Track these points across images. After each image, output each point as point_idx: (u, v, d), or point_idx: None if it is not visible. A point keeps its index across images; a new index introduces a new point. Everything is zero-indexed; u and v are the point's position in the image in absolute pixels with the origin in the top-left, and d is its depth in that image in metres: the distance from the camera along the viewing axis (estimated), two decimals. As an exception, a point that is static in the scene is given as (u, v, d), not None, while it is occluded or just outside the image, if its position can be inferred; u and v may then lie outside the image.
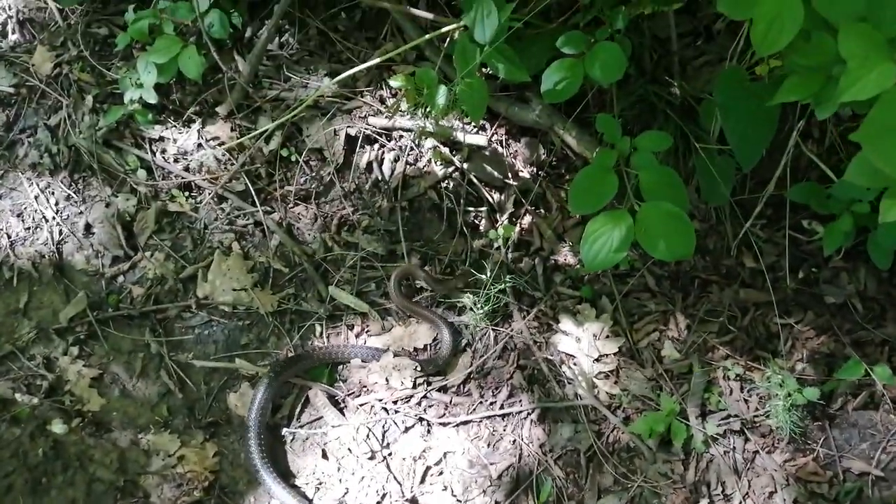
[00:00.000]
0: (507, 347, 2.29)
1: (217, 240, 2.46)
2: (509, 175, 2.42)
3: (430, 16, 2.33)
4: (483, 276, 2.25)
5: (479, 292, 2.25)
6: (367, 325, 2.36)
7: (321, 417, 2.21)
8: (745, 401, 2.20)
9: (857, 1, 1.12)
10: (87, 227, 2.45)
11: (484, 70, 2.13)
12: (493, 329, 2.30)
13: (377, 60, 2.26)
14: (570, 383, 2.23)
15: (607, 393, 2.22)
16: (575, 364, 2.26)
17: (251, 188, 2.49)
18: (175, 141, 2.57)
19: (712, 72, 2.23)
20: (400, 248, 2.42)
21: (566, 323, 2.30)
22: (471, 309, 2.29)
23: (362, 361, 2.27)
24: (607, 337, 2.28)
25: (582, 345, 2.27)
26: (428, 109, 1.91)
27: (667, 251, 1.73)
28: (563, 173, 2.44)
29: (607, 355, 2.27)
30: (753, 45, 1.15)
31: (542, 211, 2.43)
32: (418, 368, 2.22)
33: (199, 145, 2.55)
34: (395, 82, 1.97)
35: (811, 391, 2.10)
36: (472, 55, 1.87)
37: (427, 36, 2.21)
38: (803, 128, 2.06)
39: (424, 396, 2.24)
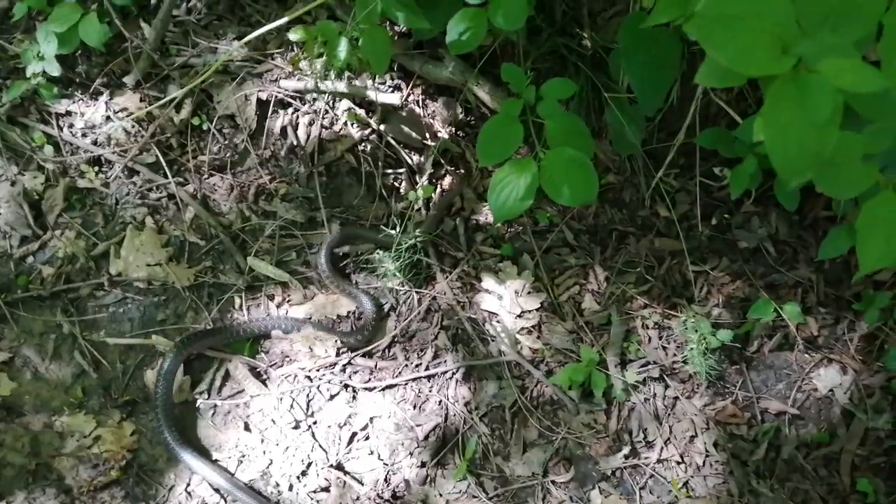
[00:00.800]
0: (430, 309, 2.27)
1: (129, 215, 2.38)
2: (427, 135, 2.39)
3: (336, -27, 2.29)
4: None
5: (395, 253, 2.23)
6: (289, 295, 2.32)
7: (242, 390, 2.17)
8: (664, 348, 2.23)
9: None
10: (-9, 207, 2.34)
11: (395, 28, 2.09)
12: (416, 292, 2.28)
13: (285, 20, 2.19)
14: (493, 341, 2.23)
15: (530, 348, 2.23)
16: (498, 322, 2.26)
17: (162, 160, 2.41)
18: (82, 114, 2.47)
19: (620, 22, 2.22)
20: (319, 216, 2.38)
21: (488, 281, 2.30)
22: (394, 274, 2.27)
23: (284, 333, 2.23)
24: (529, 293, 2.29)
25: (504, 302, 2.27)
26: (330, 64, 1.86)
27: (570, 196, 1.73)
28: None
29: (529, 311, 2.27)
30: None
31: (462, 171, 2.41)
32: (341, 348, 2.19)
33: (108, 118, 2.46)
34: (294, 35, 1.92)
35: (724, 333, 2.13)
36: (374, 8, 1.84)
37: (333, -7, 2.17)
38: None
39: (349, 363, 2.22)
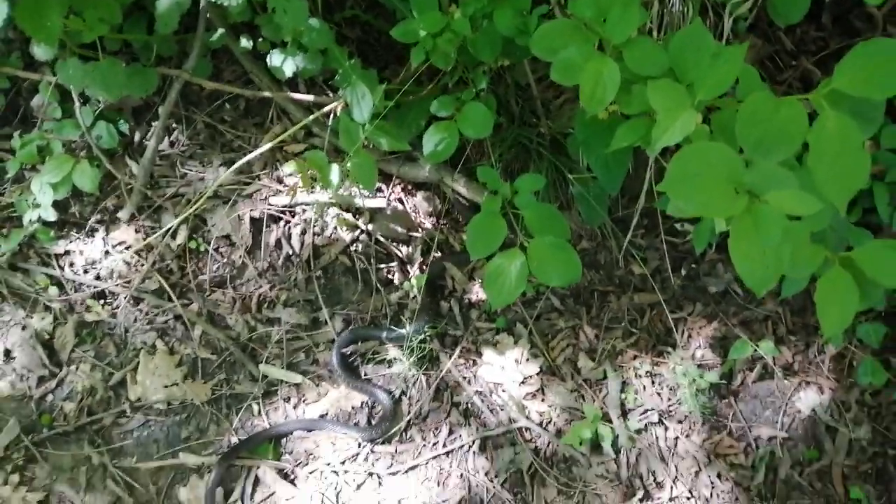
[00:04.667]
0: (439, 388, 2.43)
1: (140, 340, 2.50)
2: (412, 228, 2.59)
3: (310, 98, 2.49)
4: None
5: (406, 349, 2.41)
6: (303, 395, 2.46)
7: (273, 493, 2.29)
8: (658, 394, 2.42)
9: (661, 56, 1.35)
10: (7, 352, 2.44)
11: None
12: (423, 374, 2.44)
13: (269, 145, 2.40)
14: (502, 410, 2.40)
15: (537, 411, 2.40)
16: (503, 391, 2.42)
17: (165, 284, 2.55)
18: (81, 252, 2.60)
19: (572, 108, 2.47)
20: (322, 315, 2.53)
21: (489, 354, 2.47)
22: (399, 360, 2.43)
23: (307, 431, 2.37)
24: (528, 360, 2.47)
25: (506, 372, 2.45)
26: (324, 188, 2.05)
27: (558, 278, 1.92)
28: (459, 218, 2.63)
29: (531, 377, 2.45)
30: (583, 104, 1.36)
31: (439, 254, 2.60)
32: (361, 444, 2.34)
33: (107, 252, 2.59)
34: (287, 168, 2.11)
35: (711, 374, 2.34)
36: (356, 133, 2.04)
37: (312, 116, 2.37)
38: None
39: (371, 451, 2.35)
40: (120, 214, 2.62)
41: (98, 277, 2.57)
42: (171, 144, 2.72)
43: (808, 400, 2.40)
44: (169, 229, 2.54)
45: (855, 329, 2.39)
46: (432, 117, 2.19)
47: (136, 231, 2.62)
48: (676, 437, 2.37)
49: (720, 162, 1.05)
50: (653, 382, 2.44)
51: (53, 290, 2.55)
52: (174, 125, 2.71)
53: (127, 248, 2.59)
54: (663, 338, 2.51)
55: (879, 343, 2.36)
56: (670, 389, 2.42)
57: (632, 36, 1.36)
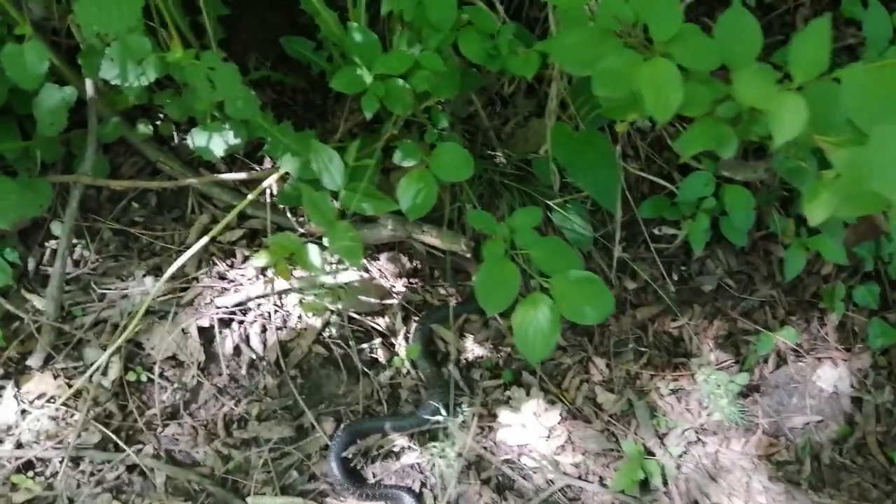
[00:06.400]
0: (462, 468, 2.14)
1: (91, 508, 2.03)
2: (386, 296, 2.30)
3: (242, 175, 2.18)
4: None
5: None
6: (309, 518, 2.08)
7: None
8: (688, 410, 2.27)
9: (713, 47, 1.22)
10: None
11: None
12: (440, 457, 2.14)
13: (203, 241, 2.05)
14: (535, 473, 2.15)
15: (572, 464, 2.17)
16: (531, 451, 2.18)
17: (108, 432, 2.09)
18: (-12, 419, 2.09)
19: (524, 132, 2.32)
20: (306, 420, 2.17)
21: (505, 414, 2.22)
22: (410, 448, 2.12)
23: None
24: (546, 410, 2.24)
25: (528, 429, 2.20)
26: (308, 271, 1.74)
27: (594, 314, 1.72)
28: (432, 272, 2.38)
29: (554, 427, 2.22)
30: (653, 113, 1.18)
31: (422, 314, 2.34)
32: None
33: (23, 412, 2.10)
34: (259, 261, 1.78)
35: (741, 377, 2.23)
36: (325, 204, 1.75)
37: (250, 196, 2.05)
38: (621, 153, 2.23)
39: (404, 561, 2.02)
40: (30, 362, 2.14)
41: (19, 445, 2.07)
42: (78, 264, 2.27)
43: (827, 377, 2.35)
44: (97, 366, 2.09)
45: (851, 295, 2.38)
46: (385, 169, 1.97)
47: (55, 377, 2.15)
48: (717, 451, 2.23)
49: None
50: (678, 400, 2.29)
51: (-39, 476, 2.02)
52: (76, 241, 2.27)
53: (49, 401, 2.11)
54: (672, 349, 2.38)
55: (877, 303, 2.36)
56: (698, 402, 2.28)
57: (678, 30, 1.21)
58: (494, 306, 1.80)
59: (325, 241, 1.74)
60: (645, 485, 2.14)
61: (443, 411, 2.12)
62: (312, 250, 1.70)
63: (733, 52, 1.22)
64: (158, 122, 2.32)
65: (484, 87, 2.43)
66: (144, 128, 2.24)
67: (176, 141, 2.34)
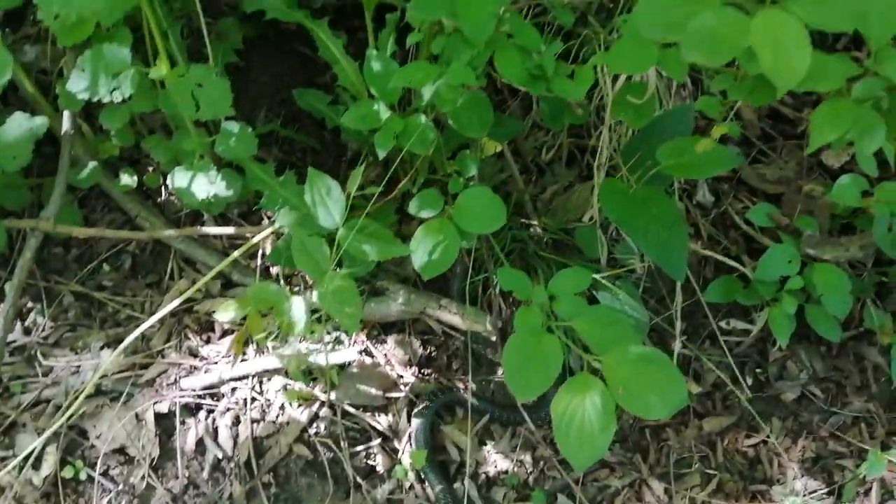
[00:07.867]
0: None
1: None
2: (390, 388, 1.88)
3: (229, 230, 1.85)
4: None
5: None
6: None
7: None
8: (775, 553, 1.75)
9: None
10: None
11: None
12: None
13: (172, 305, 1.69)
14: None
15: None
16: None
17: (27, 543, 1.64)
18: None
19: (567, 196, 1.99)
20: (280, 541, 1.70)
21: (534, 550, 1.72)
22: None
23: None
24: (588, 545, 1.74)
25: (566, 570, 1.70)
26: (287, 332, 1.36)
27: (661, 406, 1.29)
28: (449, 360, 1.96)
29: (599, 569, 1.71)
30: (772, 78, 0.84)
31: (447, 416, 1.90)
32: None
33: (-75, 511, 1.66)
34: (224, 315, 1.40)
35: (847, 511, 1.73)
36: (317, 250, 1.39)
37: (235, 254, 1.71)
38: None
39: None
40: (-54, 448, 1.73)
41: None
42: (27, 331, 1.91)
43: (951, 516, 1.83)
44: (29, 456, 1.67)
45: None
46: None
47: (-26, 469, 1.72)
48: None
49: None
50: (762, 539, 1.78)
51: None
52: (29, 303, 1.92)
53: (-42, 498, 1.68)
54: (747, 473, 1.89)
55: None
56: (785, 543, 1.76)
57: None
58: (529, 390, 1.37)
59: (315, 297, 1.37)
60: None
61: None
62: (297, 303, 1.32)
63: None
64: (146, 175, 2.03)
65: (518, 153, 2.14)
66: (128, 178, 1.95)
67: (163, 196, 2.04)
